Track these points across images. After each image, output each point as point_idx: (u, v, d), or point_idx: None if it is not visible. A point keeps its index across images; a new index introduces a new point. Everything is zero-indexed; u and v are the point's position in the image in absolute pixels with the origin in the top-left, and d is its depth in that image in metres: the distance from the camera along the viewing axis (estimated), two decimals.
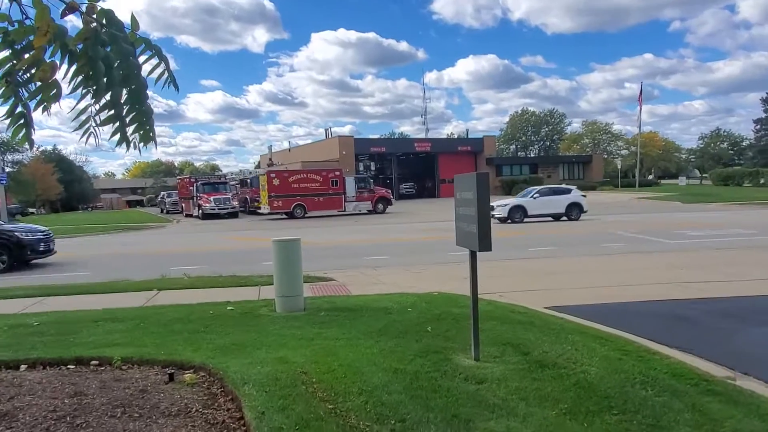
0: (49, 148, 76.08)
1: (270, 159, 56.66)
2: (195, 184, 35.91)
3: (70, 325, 6.58)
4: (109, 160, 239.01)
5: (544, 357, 4.87)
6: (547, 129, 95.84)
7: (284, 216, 32.67)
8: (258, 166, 75.07)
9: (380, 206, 33.21)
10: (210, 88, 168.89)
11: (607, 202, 37.24)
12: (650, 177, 75.94)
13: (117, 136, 2.55)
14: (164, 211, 45.07)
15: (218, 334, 5.91)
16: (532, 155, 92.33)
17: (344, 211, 32.73)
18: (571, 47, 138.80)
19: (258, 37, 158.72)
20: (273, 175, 33.14)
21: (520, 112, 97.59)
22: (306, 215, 32.49)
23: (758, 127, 76.07)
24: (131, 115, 2.58)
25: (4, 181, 30.59)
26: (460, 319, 6.30)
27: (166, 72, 2.70)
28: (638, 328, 6.30)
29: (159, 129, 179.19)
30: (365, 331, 5.89)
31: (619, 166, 55.10)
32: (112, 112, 2.53)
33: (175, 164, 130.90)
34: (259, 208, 36.61)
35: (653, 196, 40.05)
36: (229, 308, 7.32)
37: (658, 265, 11.58)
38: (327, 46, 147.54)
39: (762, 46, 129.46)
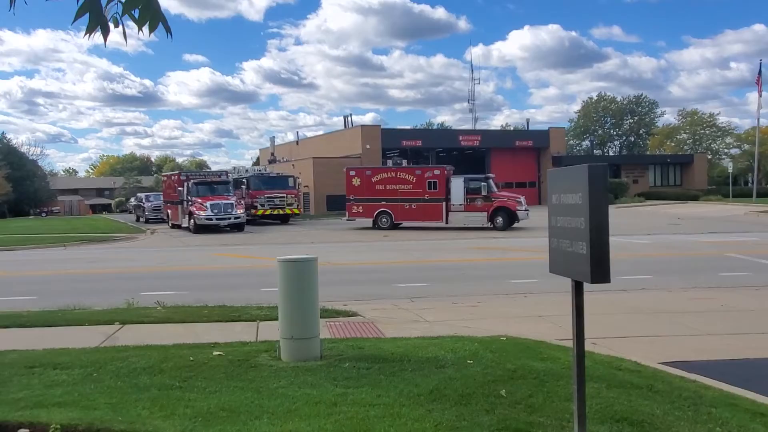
0: None
1: (272, 154, 56.89)
2: (185, 184, 33.09)
3: None
4: (71, 153, 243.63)
5: None
6: (631, 120, 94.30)
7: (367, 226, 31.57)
8: (256, 163, 75.55)
9: (499, 220, 29.13)
10: (195, 65, 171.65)
11: (713, 217, 36.03)
12: None
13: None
14: (141, 219, 43.58)
15: (200, 393, 5.36)
16: (612, 153, 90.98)
17: (446, 224, 30.32)
18: (658, 16, 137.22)
19: (256, 2, 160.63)
20: (353, 173, 32.37)
21: (595, 98, 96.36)
22: (395, 226, 31.29)
23: None
24: None
25: None
26: (546, 378, 5.64)
27: None
28: None
29: (131, 115, 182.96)
30: (410, 393, 5.27)
31: (729, 170, 53.46)
32: None
33: (152, 160, 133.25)
34: (258, 215, 36.46)
35: None
36: (216, 353, 6.79)
37: None
38: (342, 14, 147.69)
39: None
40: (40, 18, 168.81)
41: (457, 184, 30.03)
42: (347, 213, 32.47)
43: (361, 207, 31.69)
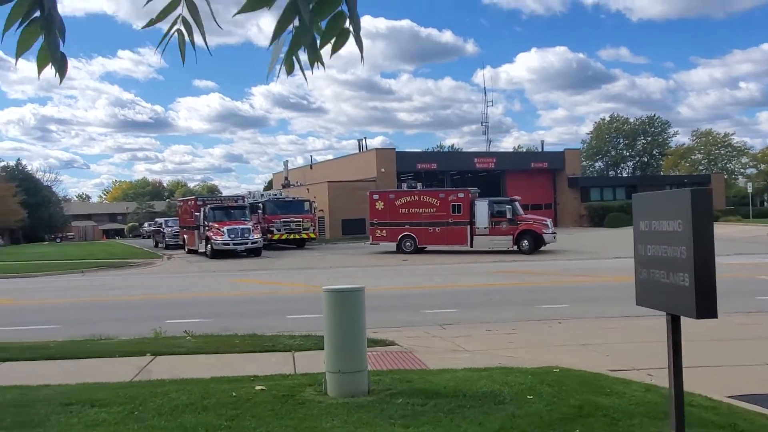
0: (12, 163, 78.37)
1: (286, 178, 56.86)
2: (202, 209, 32.77)
3: (33, 409, 5.83)
4: (83, 179, 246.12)
5: None
6: (644, 141, 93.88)
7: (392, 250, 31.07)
8: (268, 187, 75.59)
9: (525, 243, 28.46)
10: (205, 90, 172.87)
11: (735, 237, 35.41)
12: None
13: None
14: (161, 244, 42.87)
15: None
16: (625, 174, 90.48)
17: (471, 247, 29.66)
18: (665, 37, 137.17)
19: (264, 27, 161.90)
20: (376, 197, 32.15)
21: (608, 119, 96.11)
22: (420, 250, 30.73)
23: None
24: None
25: None
26: (618, 416, 5.27)
27: None
28: None
29: (143, 140, 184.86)
30: None
31: (749, 190, 52.81)
32: None
33: (164, 185, 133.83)
34: (275, 240, 36.19)
35: None
36: (258, 387, 6.47)
37: None
38: (350, 38, 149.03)
39: None
40: None
41: (482, 207, 29.46)
42: (371, 237, 32.24)
43: (384, 231, 31.34)
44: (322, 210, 45.62)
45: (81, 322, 12.72)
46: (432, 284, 18.84)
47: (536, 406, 5.61)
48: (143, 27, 2.30)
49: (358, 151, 57.79)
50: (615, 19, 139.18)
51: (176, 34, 2.25)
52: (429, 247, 31.02)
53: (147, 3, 2.23)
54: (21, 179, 69.68)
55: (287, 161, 63.25)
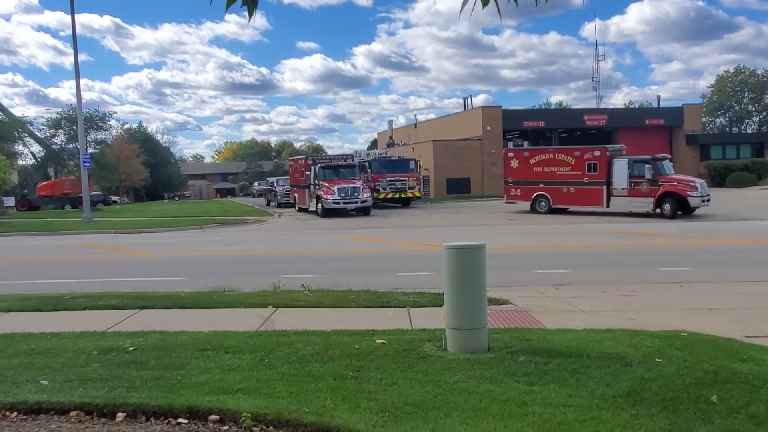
0: (134, 125, 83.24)
1: (390, 137, 57.02)
2: (312, 168, 33.08)
3: (174, 353, 6.24)
4: (196, 140, 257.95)
5: None
6: None
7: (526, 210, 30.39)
8: (371, 147, 76.22)
9: (667, 207, 25.78)
10: (308, 52, 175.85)
11: None
12: None
13: None
14: (273, 203, 43.76)
15: (377, 384, 5.17)
16: (750, 131, 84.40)
17: (607, 208, 27.77)
18: None
19: None
20: (511, 154, 31.70)
21: (732, 71, 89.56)
22: (555, 210, 29.61)
23: None
24: None
25: (88, 164, 33.27)
26: (758, 383, 5.00)
27: None
28: None
29: (250, 102, 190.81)
30: (604, 394, 4.82)
31: None
32: None
33: (272, 145, 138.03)
34: (380, 199, 36.59)
35: None
36: (378, 341, 6.61)
37: None
38: None
39: None
40: (165, 12, 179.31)
41: (621, 166, 27.33)
42: (505, 196, 31.80)
43: (518, 190, 30.67)
44: (426, 169, 45.58)
45: (204, 275, 13.43)
46: (542, 244, 18.49)
47: (667, 370, 5.42)
48: None
49: (462, 109, 57.07)
50: None
51: None
52: (566, 208, 29.67)
53: None
54: (143, 141, 74.00)
55: (392, 120, 63.47)
